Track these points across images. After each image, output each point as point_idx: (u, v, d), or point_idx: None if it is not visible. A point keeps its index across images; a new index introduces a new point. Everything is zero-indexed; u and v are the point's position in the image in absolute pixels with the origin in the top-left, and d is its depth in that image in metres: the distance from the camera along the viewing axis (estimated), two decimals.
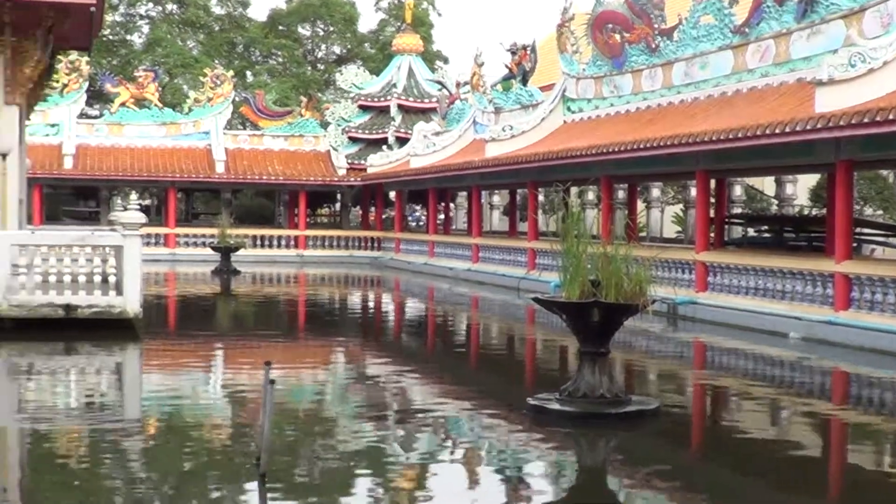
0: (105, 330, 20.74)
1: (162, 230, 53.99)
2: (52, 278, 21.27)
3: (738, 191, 47.99)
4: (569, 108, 37.96)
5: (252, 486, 10.24)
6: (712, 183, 33.20)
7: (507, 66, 44.65)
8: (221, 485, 10.56)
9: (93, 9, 23.36)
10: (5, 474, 11.25)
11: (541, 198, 45.77)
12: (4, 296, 20.64)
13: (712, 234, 31.84)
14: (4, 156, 23.43)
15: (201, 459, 11.66)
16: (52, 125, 54.17)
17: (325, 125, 58.64)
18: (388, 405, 15.44)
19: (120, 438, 12.59)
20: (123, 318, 21.12)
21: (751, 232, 38.89)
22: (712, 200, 33.19)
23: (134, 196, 23.31)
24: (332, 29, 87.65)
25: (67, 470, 11.16)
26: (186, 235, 54.85)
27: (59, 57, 45.79)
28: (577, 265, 13.58)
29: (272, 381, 10.26)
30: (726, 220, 38.24)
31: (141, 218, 21.56)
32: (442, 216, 56.41)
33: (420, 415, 14.47)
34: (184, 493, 10.29)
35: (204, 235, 52.92)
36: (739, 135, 23.70)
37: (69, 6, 23.10)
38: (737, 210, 46.25)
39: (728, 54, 29.04)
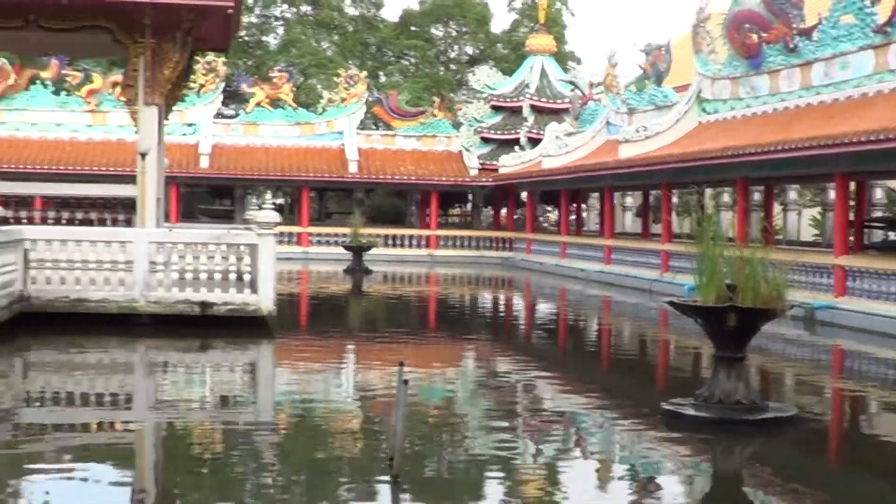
0: (239, 327, 20.99)
1: (295, 229, 54.60)
2: (189, 276, 21.58)
3: (878, 194, 46.78)
4: (704, 109, 37.40)
5: (385, 486, 10.22)
6: (852, 186, 32.42)
7: (641, 67, 44.19)
8: (354, 484, 10.55)
9: (230, 11, 23.68)
10: (142, 468, 11.41)
11: (674, 199, 45.18)
12: (142, 292, 21.03)
13: (851, 238, 31.09)
14: (144, 155, 23.86)
15: (334, 458, 11.68)
16: (189, 125, 55.18)
17: (457, 125, 58.74)
18: (518, 406, 15.34)
19: (253, 436, 12.69)
20: (257, 315, 21.35)
21: (892, 236, 37.91)
22: (852, 203, 32.41)
23: (269, 195, 23.53)
24: (464, 29, 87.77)
25: (200, 465, 11.28)
26: (319, 234, 55.42)
27: (197, 58, 46.59)
28: (713, 268, 13.35)
29: (405, 382, 10.23)
30: (866, 223, 37.32)
31: (276, 217, 21.75)
32: (573, 217, 56.04)
33: (551, 417, 14.34)
34: (317, 493, 10.32)
35: (336, 234, 53.41)
36: (881, 136, 23.09)
37: (208, 8, 23.45)
38: (877, 213, 45.11)
39: (869, 54, 28.31)
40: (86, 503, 9.79)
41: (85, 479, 10.52)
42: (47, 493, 10.03)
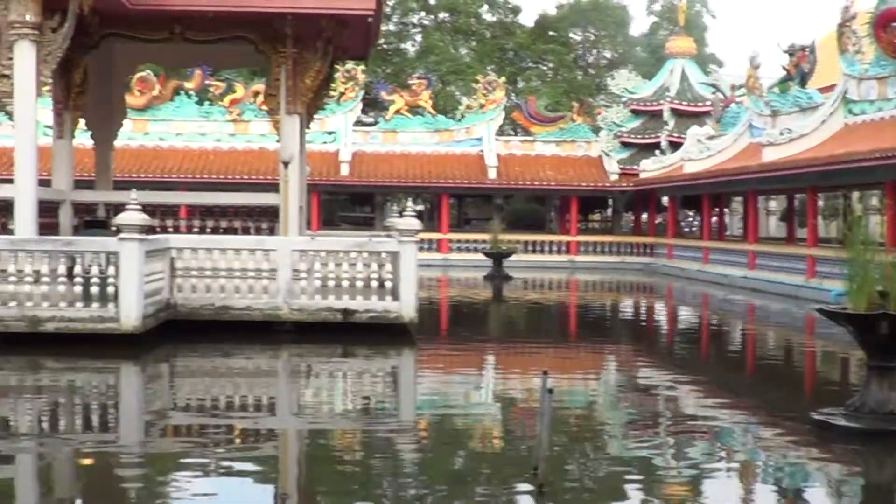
0: (381, 334, 21.08)
1: (435, 235, 54.80)
2: (331, 283, 21.75)
3: None
4: (850, 111, 36.51)
5: (528, 496, 10.12)
6: None
7: (784, 68, 43.35)
8: (497, 493, 10.46)
9: (370, 19, 23.86)
10: (284, 474, 11.49)
11: (820, 203, 44.22)
12: (285, 300, 21.27)
13: None
14: (286, 164, 24.14)
15: (477, 466, 11.62)
16: (330, 133, 55.79)
17: (596, 130, 58.38)
18: (661, 414, 15.12)
19: (394, 443, 12.70)
20: (399, 323, 21.43)
21: None
22: None
23: (409, 202, 23.63)
24: (602, 33, 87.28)
25: (342, 472, 11.32)
26: (459, 241, 55.59)
27: (336, 66, 47.08)
28: (863, 274, 12.97)
29: (550, 391, 10.13)
30: None
31: (417, 224, 21.79)
32: (716, 221, 55.24)
33: (694, 425, 14.07)
34: (459, 501, 10.26)
35: (476, 241, 53.54)
36: None
37: (348, 17, 23.65)
38: None
39: None
40: None
41: (229, 485, 10.65)
42: (192, 495, 10.18)
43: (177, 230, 24.43)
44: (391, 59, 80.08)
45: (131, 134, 52.09)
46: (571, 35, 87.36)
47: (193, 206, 25.76)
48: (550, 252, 55.27)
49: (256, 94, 54.50)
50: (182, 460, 11.47)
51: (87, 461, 11.62)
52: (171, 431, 13.32)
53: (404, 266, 21.43)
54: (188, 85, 56.78)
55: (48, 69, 21.89)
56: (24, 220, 21.46)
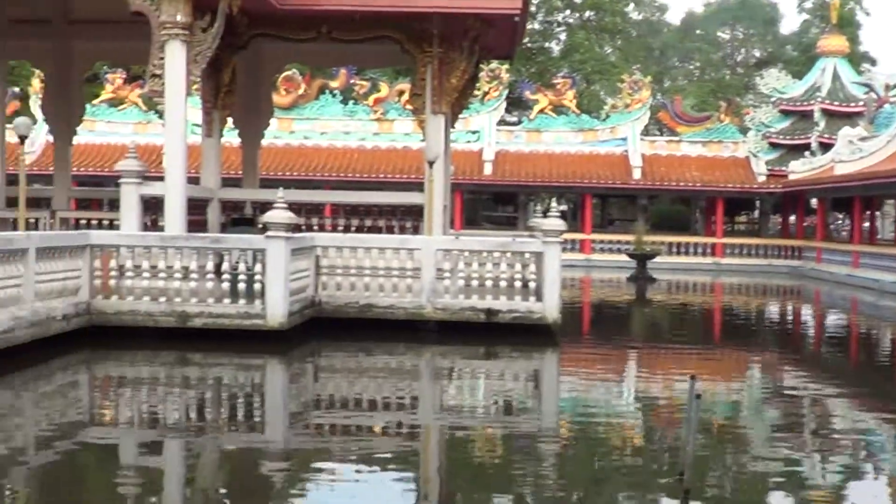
0: (523, 335, 20.96)
1: (578, 236, 54.45)
2: (475, 283, 21.69)
3: None
4: None
5: (674, 501, 9.91)
6: None
7: None
8: (640, 497, 10.27)
9: (516, 19, 23.75)
10: (425, 472, 11.45)
11: None
12: (429, 299, 21.27)
13: None
14: (431, 163, 24.16)
15: (618, 470, 11.43)
16: (473, 132, 55.85)
17: (743, 130, 57.43)
18: (808, 422, 14.72)
19: (536, 444, 12.58)
20: (542, 323, 21.27)
21: None
22: None
23: (554, 203, 23.49)
24: (751, 31, 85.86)
25: (482, 472, 11.28)
26: (602, 241, 55.20)
27: (481, 66, 47.09)
28: None
29: (698, 396, 9.90)
30: None
31: (561, 225, 21.61)
32: (866, 224, 53.89)
33: (843, 433, 13.64)
34: None
35: (619, 242, 53.14)
36: None
37: (494, 17, 23.58)
38: None
39: None
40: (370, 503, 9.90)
41: (370, 481, 10.67)
42: (332, 490, 10.24)
43: (322, 228, 24.63)
44: (535, 58, 79.87)
45: (277, 132, 52.79)
46: (719, 33, 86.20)
47: (338, 204, 25.94)
48: (695, 254, 54.52)
49: (401, 93, 54.91)
50: (324, 457, 11.56)
51: (232, 455, 11.75)
52: (315, 428, 13.40)
53: (548, 267, 21.28)
54: (333, 84, 57.39)
55: (198, 69, 22.23)
56: (174, 217, 21.84)
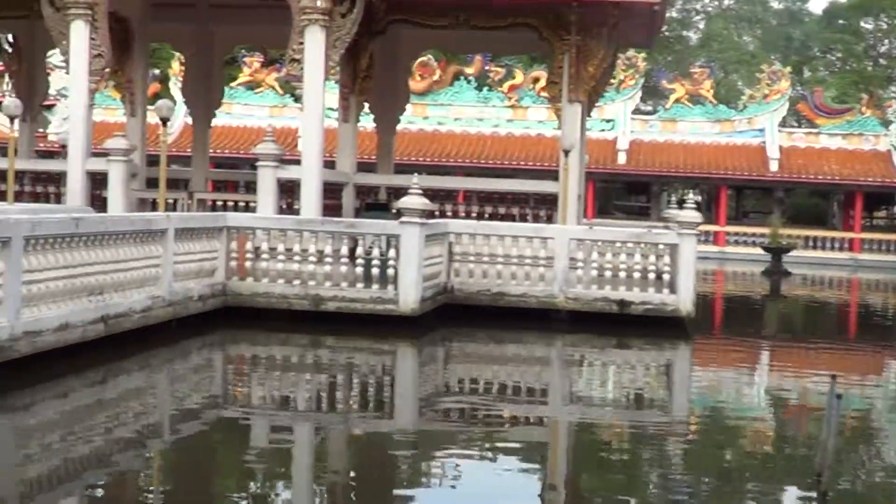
0: (655, 327, 20.70)
1: (711, 228, 53.69)
2: (607, 273, 21.50)
3: None
4: None
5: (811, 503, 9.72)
6: None
7: None
8: (775, 497, 10.06)
9: (656, 7, 23.46)
10: (553, 461, 11.40)
11: None
12: (562, 288, 21.11)
13: None
14: (567, 152, 24.01)
15: (751, 468, 11.20)
16: (608, 121, 55.45)
17: (885, 123, 56.01)
18: None
19: (666, 438, 12.45)
20: (675, 316, 20.97)
21: None
22: None
23: (690, 194, 23.09)
24: None
25: (610, 463, 11.21)
26: (736, 234, 54.45)
27: (617, 54, 46.72)
28: None
29: (839, 396, 9.66)
30: None
31: (698, 217, 21.26)
32: None
33: None
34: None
35: (753, 234, 52.28)
36: None
37: (633, 5, 23.32)
38: None
39: None
40: (497, 490, 9.84)
41: (496, 468, 10.68)
42: (458, 475, 10.29)
43: (455, 215, 24.62)
44: (673, 47, 78.98)
45: (411, 118, 52.95)
46: (862, 24, 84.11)
47: (471, 191, 25.92)
48: (832, 249, 53.42)
49: (536, 80, 54.74)
50: (452, 443, 11.58)
51: (361, 438, 11.84)
52: (443, 413, 13.42)
53: (683, 259, 20.97)
54: (468, 70, 57.42)
55: (336, 54, 22.40)
56: (310, 200, 22.06)
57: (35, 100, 29.26)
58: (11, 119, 21.98)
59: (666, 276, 21.32)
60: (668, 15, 74.74)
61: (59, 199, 24.63)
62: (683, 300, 20.91)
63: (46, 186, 25.37)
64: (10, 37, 29.29)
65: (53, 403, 12.62)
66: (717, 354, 20.24)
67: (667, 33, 76.73)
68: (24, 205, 21.72)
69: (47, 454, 10.26)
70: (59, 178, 24.75)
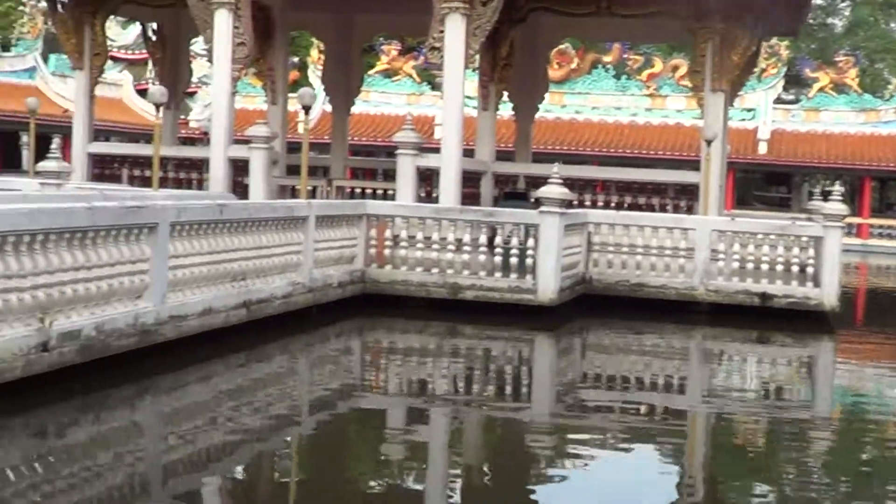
0: (797, 321, 20.27)
1: (855, 220, 52.45)
2: (749, 266, 21.11)
3: None
4: None
5: None
6: None
7: None
8: None
9: None
10: (690, 455, 11.27)
11: None
12: (702, 280, 20.80)
13: None
14: (709, 142, 23.66)
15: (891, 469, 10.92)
16: (749, 110, 54.52)
17: None
18: None
19: (807, 434, 12.29)
20: (818, 310, 20.52)
21: None
22: None
23: (837, 186, 22.53)
24: None
25: (747, 457, 11.12)
26: (881, 226, 53.14)
27: (761, 42, 45.92)
28: None
29: None
30: None
31: (844, 209, 20.75)
32: None
33: None
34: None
35: None
36: None
37: None
38: None
39: None
40: (631, 483, 9.76)
41: (632, 459, 10.63)
42: (593, 466, 10.25)
43: (593, 205, 24.44)
44: (816, 35, 77.30)
45: (547, 106, 52.55)
46: None
47: (610, 180, 25.70)
48: None
49: (675, 68, 54.12)
50: (587, 433, 11.55)
51: (497, 426, 11.83)
52: (580, 403, 13.37)
53: (828, 252, 20.50)
54: (606, 58, 56.93)
55: (476, 42, 22.37)
56: (449, 189, 22.11)
57: (179, 87, 29.74)
58: (157, 106, 22.30)
59: (810, 270, 20.82)
60: (813, 2, 73.35)
61: (200, 185, 25.07)
62: (828, 294, 20.43)
63: (189, 173, 25.84)
64: (155, 25, 29.77)
65: (197, 387, 12.84)
66: (862, 350, 19.78)
67: (811, 21, 75.18)
68: (168, 191, 22.11)
69: (192, 436, 10.47)
70: (201, 165, 25.20)
